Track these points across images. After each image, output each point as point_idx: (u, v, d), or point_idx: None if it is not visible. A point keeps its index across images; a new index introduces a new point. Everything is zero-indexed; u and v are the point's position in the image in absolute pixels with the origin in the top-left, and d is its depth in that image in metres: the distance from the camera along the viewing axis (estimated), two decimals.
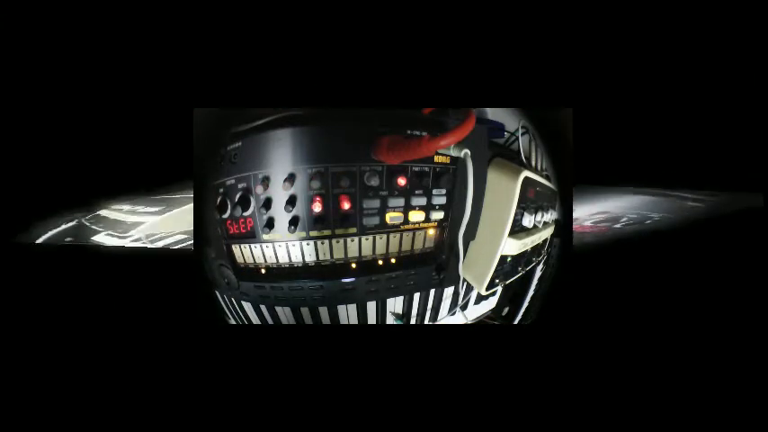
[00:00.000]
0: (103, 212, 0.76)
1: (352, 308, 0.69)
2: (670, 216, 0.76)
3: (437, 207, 0.66)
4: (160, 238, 0.79)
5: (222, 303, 0.74)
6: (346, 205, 0.60)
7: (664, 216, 0.77)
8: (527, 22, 0.78)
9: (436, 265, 0.69)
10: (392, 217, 0.63)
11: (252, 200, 0.61)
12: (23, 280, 0.71)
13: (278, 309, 0.69)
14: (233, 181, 0.62)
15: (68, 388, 0.68)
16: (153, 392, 0.70)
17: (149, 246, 0.78)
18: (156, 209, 0.72)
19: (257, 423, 0.71)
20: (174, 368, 0.71)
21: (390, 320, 0.74)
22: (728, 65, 0.76)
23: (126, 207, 0.74)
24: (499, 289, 0.85)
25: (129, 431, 0.69)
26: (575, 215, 0.76)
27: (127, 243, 0.78)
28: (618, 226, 0.82)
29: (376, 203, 0.61)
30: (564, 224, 0.88)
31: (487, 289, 0.71)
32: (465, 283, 0.77)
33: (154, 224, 0.74)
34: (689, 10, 0.76)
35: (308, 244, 0.62)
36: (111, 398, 0.69)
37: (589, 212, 0.74)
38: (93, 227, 0.76)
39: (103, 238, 0.79)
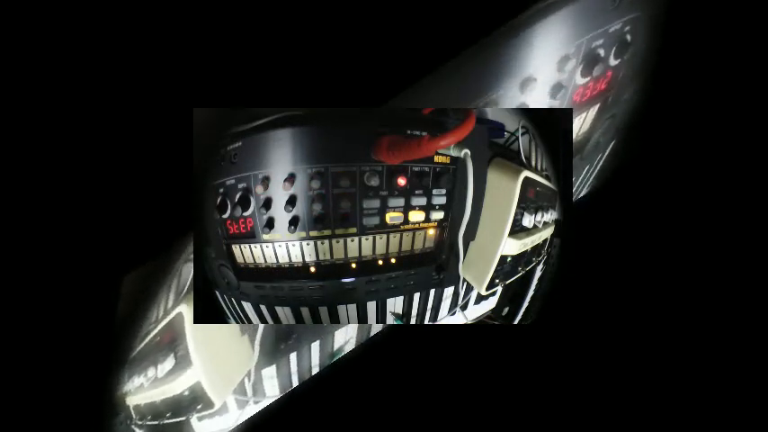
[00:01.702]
0: (136, 401, 0.65)
1: (352, 308, 0.69)
2: (636, 15, 0.69)
3: (437, 207, 0.66)
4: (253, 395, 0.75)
5: (222, 303, 0.74)
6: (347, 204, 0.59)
7: (630, 21, 0.70)
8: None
9: (436, 266, 0.69)
10: (392, 217, 0.63)
11: (252, 200, 0.61)
12: None
13: (278, 309, 0.69)
14: (233, 181, 0.62)
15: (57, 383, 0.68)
16: None
17: (256, 401, 0.73)
18: (169, 363, 0.65)
19: (257, 423, 0.71)
20: None
21: (390, 320, 0.74)
22: (731, 66, 0.76)
23: (142, 381, 0.64)
24: (499, 289, 0.85)
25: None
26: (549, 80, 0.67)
27: (236, 417, 0.73)
28: (613, 62, 0.72)
29: (376, 203, 0.61)
30: (565, 222, 0.88)
31: (487, 289, 0.71)
32: (465, 283, 0.77)
33: (218, 385, 0.67)
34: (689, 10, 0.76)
35: (307, 244, 0.62)
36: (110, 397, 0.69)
37: (552, 61, 0.66)
38: (167, 420, 0.67)
39: (207, 426, 0.71)
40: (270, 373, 0.75)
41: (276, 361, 0.75)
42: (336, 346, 0.81)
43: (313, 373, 0.78)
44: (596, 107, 0.80)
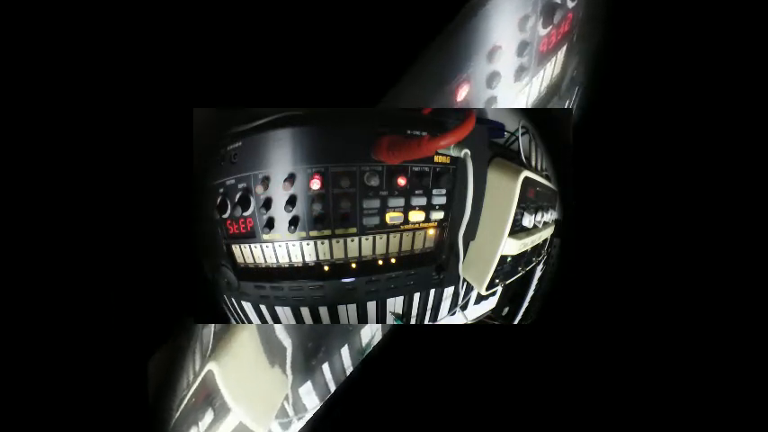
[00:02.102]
0: None
1: (352, 308, 0.69)
2: None
3: (437, 207, 0.66)
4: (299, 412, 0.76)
5: (222, 303, 0.74)
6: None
7: None
8: None
9: (436, 266, 0.69)
10: (392, 217, 0.63)
11: (252, 200, 0.61)
12: None
13: (278, 309, 0.69)
14: (233, 181, 0.62)
15: (63, 385, 0.68)
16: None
17: (299, 417, 0.75)
18: (209, 416, 0.66)
19: None
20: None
21: (390, 320, 0.74)
22: (733, 65, 0.76)
23: None
24: (499, 289, 0.85)
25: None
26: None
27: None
28: (570, 3, 0.73)
29: (376, 203, 0.61)
30: (565, 222, 0.88)
31: (487, 289, 0.71)
32: (465, 283, 0.77)
33: (259, 418, 0.70)
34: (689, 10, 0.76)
35: (308, 244, 0.62)
36: (109, 398, 0.69)
37: (513, 24, 0.68)
38: None
39: None
40: (307, 389, 0.76)
41: (311, 377, 0.76)
42: (365, 342, 0.82)
43: (347, 374, 0.79)
44: (564, 48, 0.80)
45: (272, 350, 0.73)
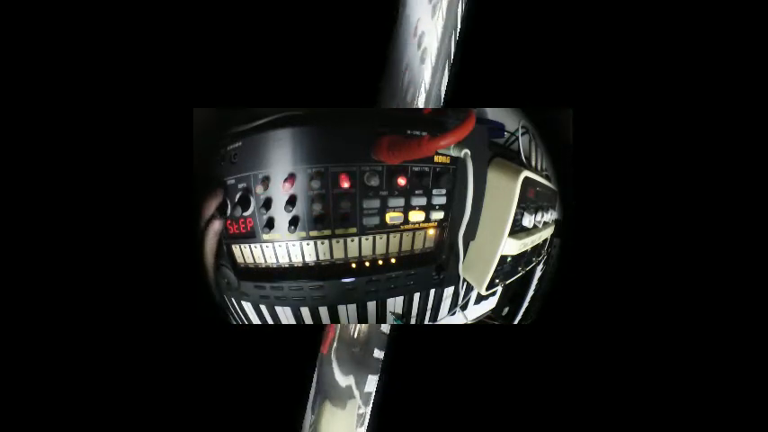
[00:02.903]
0: None
1: (352, 308, 0.69)
2: None
3: (437, 207, 0.66)
4: None
5: (223, 303, 0.74)
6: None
7: None
8: (527, 22, 0.78)
9: (436, 266, 0.69)
10: (392, 217, 0.63)
11: (252, 200, 0.61)
12: None
13: (278, 309, 0.69)
14: (233, 181, 0.62)
15: (61, 385, 0.68)
16: (152, 393, 0.70)
17: (366, 405, 0.77)
18: None
19: (258, 423, 0.71)
20: (174, 368, 0.71)
21: (390, 320, 0.74)
22: (731, 65, 0.76)
23: None
24: (499, 289, 0.85)
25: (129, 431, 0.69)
26: None
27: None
28: None
29: (376, 203, 0.61)
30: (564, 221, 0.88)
31: (487, 289, 0.71)
32: (465, 283, 0.77)
33: None
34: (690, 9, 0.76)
35: (308, 244, 0.62)
36: (110, 398, 0.69)
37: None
38: None
39: None
40: (371, 381, 0.78)
41: (370, 370, 0.77)
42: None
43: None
44: None
45: (341, 397, 0.75)
